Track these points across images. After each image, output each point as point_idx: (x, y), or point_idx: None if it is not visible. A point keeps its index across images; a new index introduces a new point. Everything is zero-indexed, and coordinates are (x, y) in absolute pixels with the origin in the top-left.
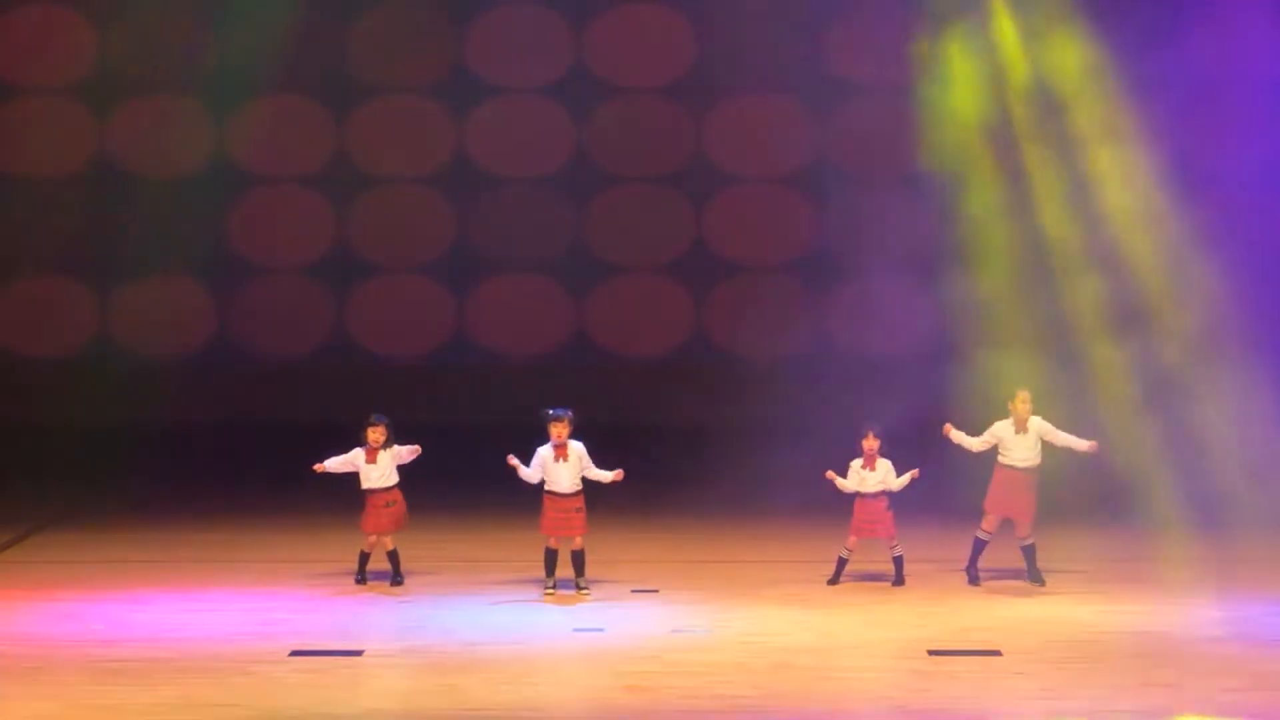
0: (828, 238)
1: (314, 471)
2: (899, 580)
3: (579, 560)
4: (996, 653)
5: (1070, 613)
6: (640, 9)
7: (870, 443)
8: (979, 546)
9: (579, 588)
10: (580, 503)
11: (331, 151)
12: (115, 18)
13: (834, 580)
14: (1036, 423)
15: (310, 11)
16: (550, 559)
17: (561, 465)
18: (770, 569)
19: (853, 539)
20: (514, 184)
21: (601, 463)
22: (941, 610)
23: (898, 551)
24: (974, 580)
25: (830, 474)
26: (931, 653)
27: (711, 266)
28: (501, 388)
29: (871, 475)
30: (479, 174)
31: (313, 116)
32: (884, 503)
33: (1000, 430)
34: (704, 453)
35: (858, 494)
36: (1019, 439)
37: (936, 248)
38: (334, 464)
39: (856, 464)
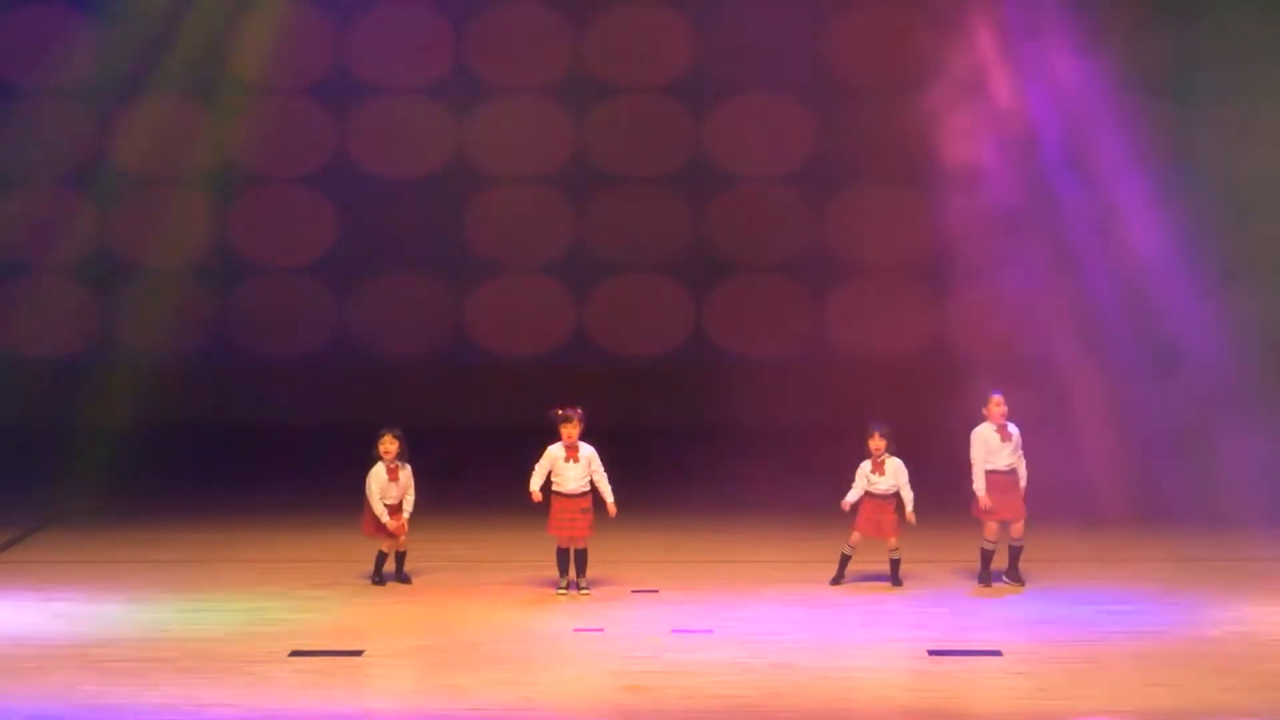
0: (827, 235)
1: (377, 530)
2: (896, 581)
3: (581, 560)
4: (996, 653)
5: (1070, 613)
6: (640, 9)
7: (877, 443)
8: (987, 556)
9: (580, 588)
10: (587, 504)
11: (331, 151)
12: (119, 17)
13: (838, 579)
14: (1015, 429)
15: (310, 11)
16: (562, 559)
17: (571, 466)
18: (770, 569)
19: (856, 535)
20: (514, 184)
21: (605, 463)
22: (941, 610)
23: (897, 555)
24: (986, 582)
25: (845, 504)
26: (931, 653)
27: (711, 266)
28: (501, 388)
29: (881, 479)
30: (479, 174)
31: (313, 116)
32: (893, 504)
33: (986, 436)
34: (703, 452)
35: (867, 493)
36: (1003, 445)
37: (936, 251)
38: (376, 506)
39: (865, 466)
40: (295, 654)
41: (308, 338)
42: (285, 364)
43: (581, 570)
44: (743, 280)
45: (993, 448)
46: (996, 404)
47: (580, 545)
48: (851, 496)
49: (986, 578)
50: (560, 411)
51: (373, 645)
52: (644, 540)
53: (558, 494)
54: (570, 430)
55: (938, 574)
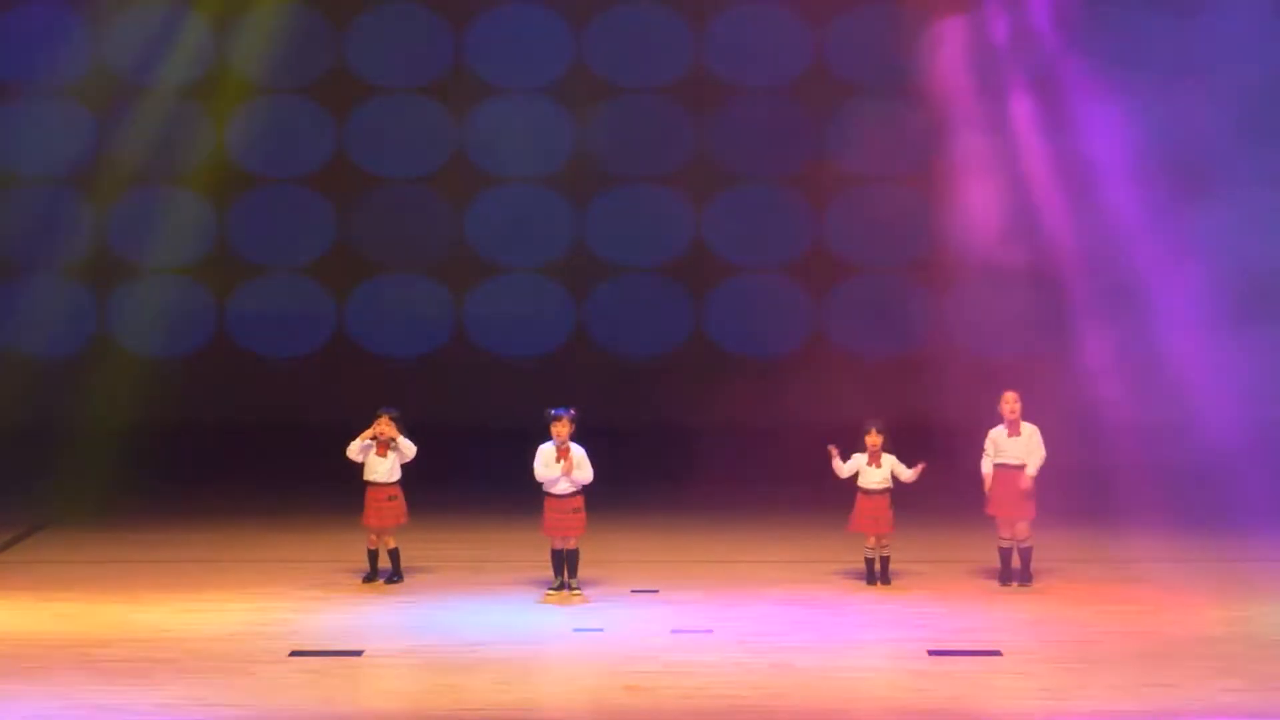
0: (827, 235)
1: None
2: (885, 579)
3: (573, 561)
4: (996, 653)
5: (1070, 613)
6: (640, 9)
7: (874, 439)
8: (1004, 555)
9: (571, 588)
10: (578, 504)
11: (332, 151)
12: (116, 17)
13: (872, 580)
14: (1029, 427)
15: (310, 11)
16: (557, 560)
17: (561, 465)
18: (770, 569)
19: (872, 539)
20: (514, 184)
21: (602, 462)
22: (941, 610)
23: (887, 551)
24: (1003, 582)
25: (833, 449)
26: (931, 653)
27: (712, 266)
28: (501, 388)
29: (877, 472)
30: (479, 174)
31: (313, 116)
32: (888, 499)
33: (995, 434)
34: (703, 452)
35: (860, 490)
36: (1012, 441)
37: (934, 249)
38: (356, 448)
39: (861, 458)
40: (295, 654)
41: (308, 338)
42: (285, 363)
43: (573, 571)
44: (743, 280)
45: (1000, 445)
46: (1005, 400)
47: (570, 546)
48: (841, 465)
49: (1004, 576)
50: (552, 411)
51: (373, 645)
52: (644, 540)
53: (549, 495)
54: (560, 430)
55: (938, 574)
